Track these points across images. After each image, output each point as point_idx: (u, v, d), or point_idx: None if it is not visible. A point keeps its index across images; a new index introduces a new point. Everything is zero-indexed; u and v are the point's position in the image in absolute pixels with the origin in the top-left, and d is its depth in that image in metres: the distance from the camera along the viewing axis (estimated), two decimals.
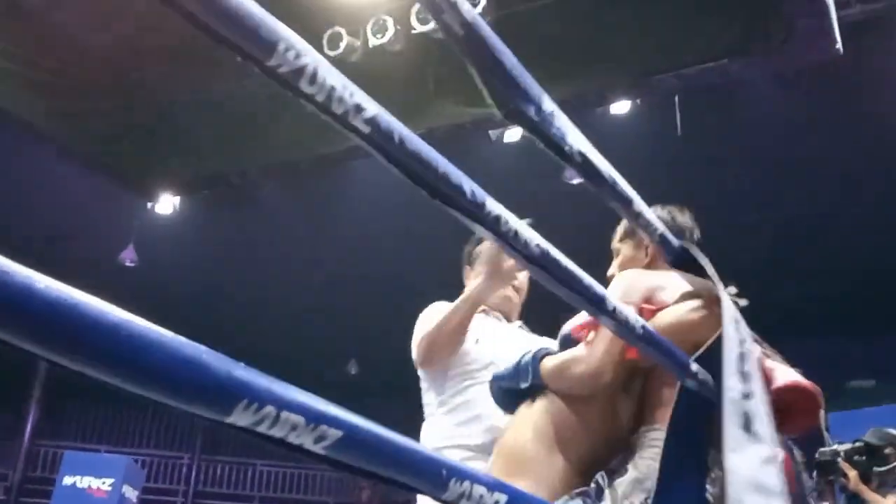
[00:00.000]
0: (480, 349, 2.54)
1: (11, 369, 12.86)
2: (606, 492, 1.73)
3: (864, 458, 4.30)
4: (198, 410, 0.59)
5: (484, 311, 2.63)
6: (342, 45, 6.37)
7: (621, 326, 1.20)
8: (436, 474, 0.83)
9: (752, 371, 1.46)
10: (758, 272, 12.35)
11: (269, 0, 0.74)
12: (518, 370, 1.97)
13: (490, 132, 8.29)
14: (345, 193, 9.72)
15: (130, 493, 7.99)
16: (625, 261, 2.18)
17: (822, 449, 4.37)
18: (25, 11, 6.93)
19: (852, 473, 4.22)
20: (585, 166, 1.12)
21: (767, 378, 1.63)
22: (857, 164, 9.32)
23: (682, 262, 1.58)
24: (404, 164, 0.81)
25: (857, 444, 4.36)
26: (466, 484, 0.87)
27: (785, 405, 1.65)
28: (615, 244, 2.26)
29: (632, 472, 1.73)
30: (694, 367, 1.41)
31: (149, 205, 9.74)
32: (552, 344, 2.20)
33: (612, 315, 1.18)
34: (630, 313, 1.22)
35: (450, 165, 0.86)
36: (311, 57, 0.69)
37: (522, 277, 2.67)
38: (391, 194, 9.14)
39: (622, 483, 1.72)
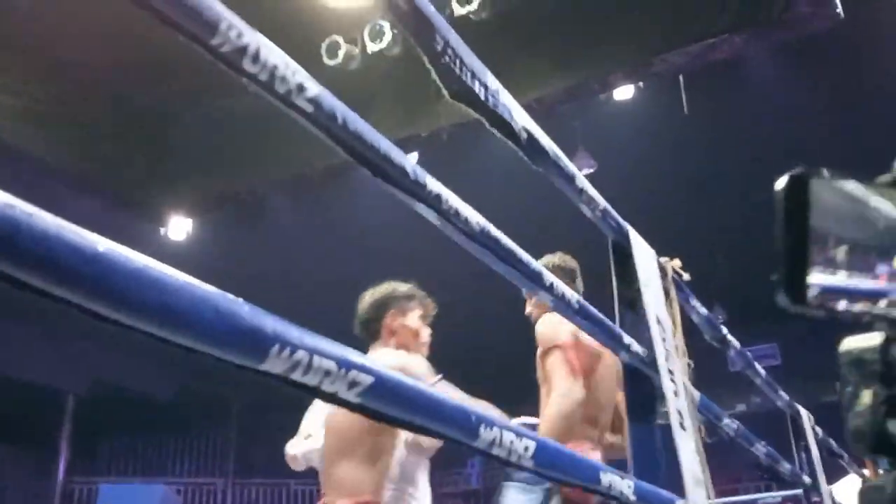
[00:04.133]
0: None
1: (40, 408, 12.97)
2: None
3: None
4: (232, 357, 0.62)
5: None
6: (341, 53, 6.41)
7: (559, 301, 1.23)
8: (466, 421, 0.85)
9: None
10: (768, 252, 12.28)
11: (263, 13, 0.76)
12: None
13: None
14: (355, 202, 9.76)
15: None
16: (537, 301, 2.55)
17: None
18: (22, 44, 7.02)
19: None
20: (531, 143, 1.15)
21: None
22: (862, 140, 9.27)
23: (619, 242, 1.61)
24: (347, 143, 0.83)
25: None
26: (496, 431, 0.89)
27: None
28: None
29: None
30: (627, 339, 1.44)
31: (162, 231, 9.83)
32: None
33: (550, 290, 1.20)
34: (566, 289, 1.25)
35: (393, 147, 0.88)
36: (253, 36, 0.70)
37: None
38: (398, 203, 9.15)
39: None
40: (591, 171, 9.81)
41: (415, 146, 8.81)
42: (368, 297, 2.58)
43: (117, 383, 13.13)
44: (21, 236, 0.47)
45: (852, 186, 1.05)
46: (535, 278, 1.16)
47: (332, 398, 0.70)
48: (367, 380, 0.72)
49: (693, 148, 9.59)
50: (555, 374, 2.35)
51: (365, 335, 2.55)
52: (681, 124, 8.68)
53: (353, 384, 0.70)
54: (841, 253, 1.00)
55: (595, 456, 2.40)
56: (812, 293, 0.93)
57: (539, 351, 2.48)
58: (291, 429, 3.36)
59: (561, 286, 1.21)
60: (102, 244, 0.52)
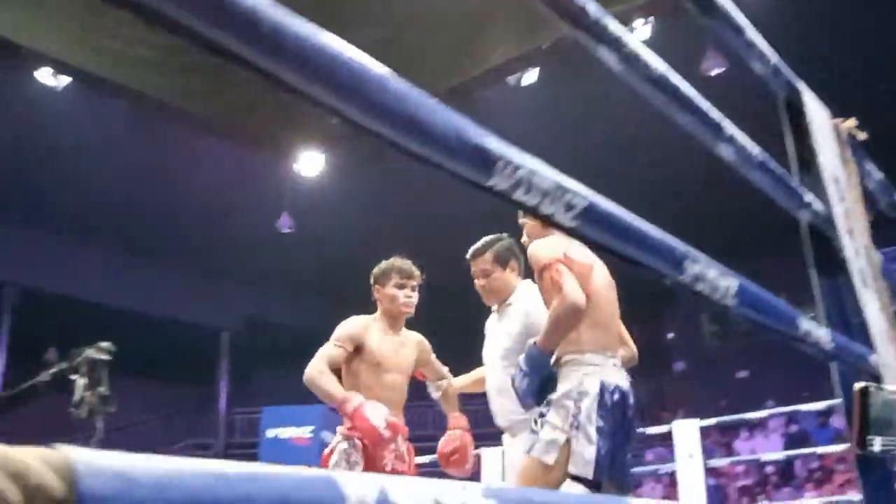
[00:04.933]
0: None
1: (199, 346, 13.80)
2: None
3: None
4: (463, 170, 0.63)
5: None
6: None
7: (741, 153, 1.18)
8: (671, 253, 0.85)
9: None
10: None
11: None
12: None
13: None
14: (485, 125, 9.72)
15: (330, 438, 8.44)
16: (530, 230, 2.84)
17: None
18: None
19: None
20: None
21: None
22: None
23: (791, 100, 1.52)
24: None
25: None
26: (701, 266, 0.89)
27: None
28: (520, 220, 2.87)
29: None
30: (807, 197, 1.37)
31: (294, 167, 10.15)
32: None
33: (731, 141, 1.15)
34: (747, 141, 1.20)
35: None
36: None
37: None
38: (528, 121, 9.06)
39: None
40: (722, 70, 9.43)
41: (537, 60, 8.71)
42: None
43: (268, 318, 13.80)
44: (286, 42, 0.49)
45: None
46: (715, 128, 1.13)
47: (550, 219, 0.71)
48: (582, 202, 0.72)
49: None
50: (553, 288, 2.51)
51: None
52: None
53: (569, 206, 0.71)
54: None
55: (615, 374, 2.54)
56: None
57: (535, 276, 2.67)
58: None
59: (742, 138, 1.17)
60: (350, 51, 0.54)
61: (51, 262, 11.81)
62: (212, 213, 11.30)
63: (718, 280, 0.91)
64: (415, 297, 3.23)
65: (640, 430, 6.11)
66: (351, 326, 3.18)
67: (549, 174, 0.69)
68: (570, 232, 0.74)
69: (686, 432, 5.03)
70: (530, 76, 8.97)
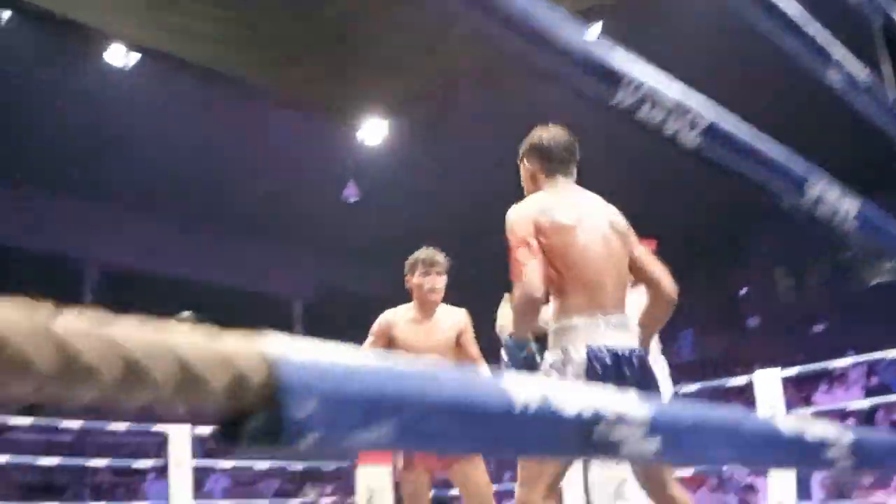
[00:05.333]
0: None
1: (272, 315, 14.04)
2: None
3: None
4: (588, 86, 0.62)
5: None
6: None
7: (847, 78, 1.12)
8: (793, 174, 0.82)
9: None
10: None
11: None
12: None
13: None
14: (545, 89, 9.62)
15: None
16: (523, 178, 2.70)
17: None
18: None
19: None
20: None
21: None
22: None
23: (889, 27, 1.46)
24: None
25: None
26: (821, 187, 0.86)
27: None
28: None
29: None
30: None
31: (358, 136, 10.20)
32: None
33: (838, 67, 1.11)
34: (854, 67, 1.14)
35: None
36: None
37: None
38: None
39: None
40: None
41: (598, 15, 8.54)
42: None
43: (338, 287, 13.98)
44: None
45: None
46: (824, 53, 1.09)
47: (673, 140, 0.69)
48: (705, 122, 0.70)
49: None
50: (513, 274, 2.38)
51: None
52: None
53: (693, 125, 0.69)
54: None
55: (607, 335, 2.34)
56: None
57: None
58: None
59: (850, 62, 1.13)
60: None
61: (127, 239, 12.12)
62: (280, 184, 11.45)
63: (839, 202, 0.88)
64: (440, 283, 3.49)
65: (707, 384, 6.03)
66: (380, 321, 3.56)
67: (672, 90, 0.67)
68: (693, 152, 0.72)
69: (768, 383, 4.94)
70: (592, 32, 8.82)
